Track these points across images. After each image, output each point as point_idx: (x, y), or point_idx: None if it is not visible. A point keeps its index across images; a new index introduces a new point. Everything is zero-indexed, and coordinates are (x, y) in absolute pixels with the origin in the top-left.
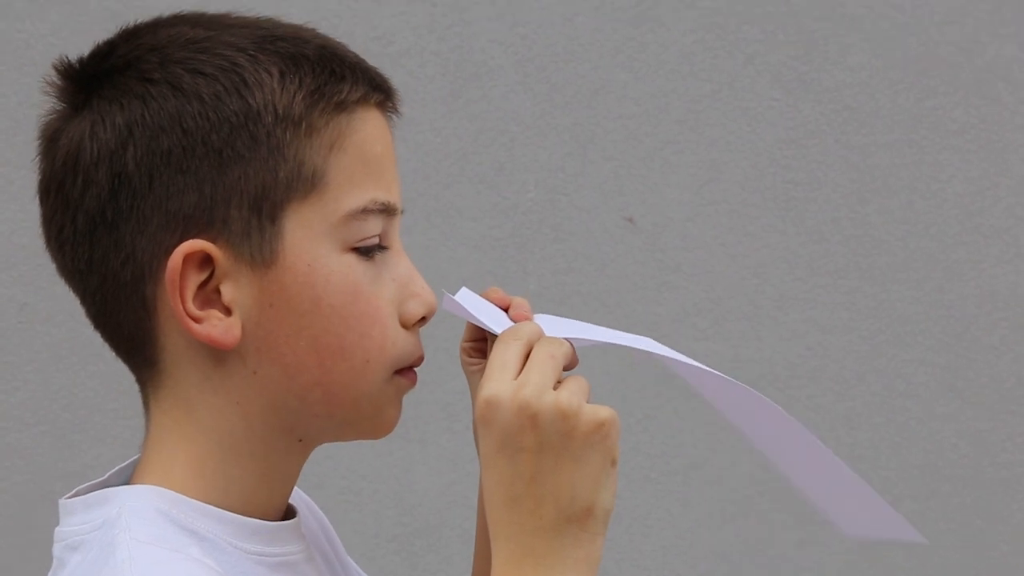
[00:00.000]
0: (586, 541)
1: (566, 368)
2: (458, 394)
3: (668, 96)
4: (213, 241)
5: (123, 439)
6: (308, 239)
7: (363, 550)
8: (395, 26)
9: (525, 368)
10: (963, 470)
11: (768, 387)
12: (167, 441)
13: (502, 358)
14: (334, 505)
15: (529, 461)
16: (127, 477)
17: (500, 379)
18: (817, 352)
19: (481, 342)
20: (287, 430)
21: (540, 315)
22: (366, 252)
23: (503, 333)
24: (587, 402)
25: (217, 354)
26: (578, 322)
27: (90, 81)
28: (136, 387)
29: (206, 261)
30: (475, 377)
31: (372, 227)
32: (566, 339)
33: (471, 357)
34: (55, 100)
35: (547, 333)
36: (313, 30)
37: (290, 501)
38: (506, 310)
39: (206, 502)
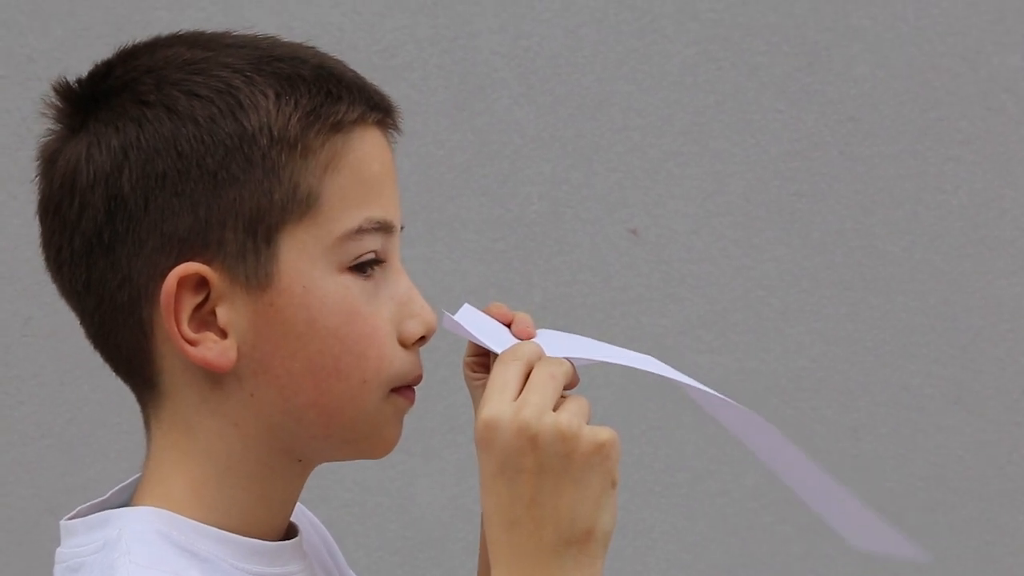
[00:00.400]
0: (586, 564)
1: (567, 387)
2: (461, 407)
3: (672, 108)
4: (208, 264)
5: (127, 453)
6: (303, 261)
7: (366, 563)
8: (398, 39)
9: (525, 389)
10: (968, 482)
11: (773, 399)
12: (167, 462)
13: (502, 379)
14: (337, 518)
15: (529, 483)
16: (128, 497)
17: (499, 400)
18: (822, 364)
19: (484, 357)
20: (285, 451)
21: (543, 330)
22: (362, 269)
23: (503, 354)
24: (588, 422)
25: (214, 376)
26: (581, 338)
27: (87, 103)
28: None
29: (201, 284)
30: (478, 392)
31: (368, 246)
32: (567, 358)
33: (474, 372)
34: (53, 121)
35: (550, 349)
36: (313, 49)
37: (292, 518)
38: (509, 325)
39: (206, 523)
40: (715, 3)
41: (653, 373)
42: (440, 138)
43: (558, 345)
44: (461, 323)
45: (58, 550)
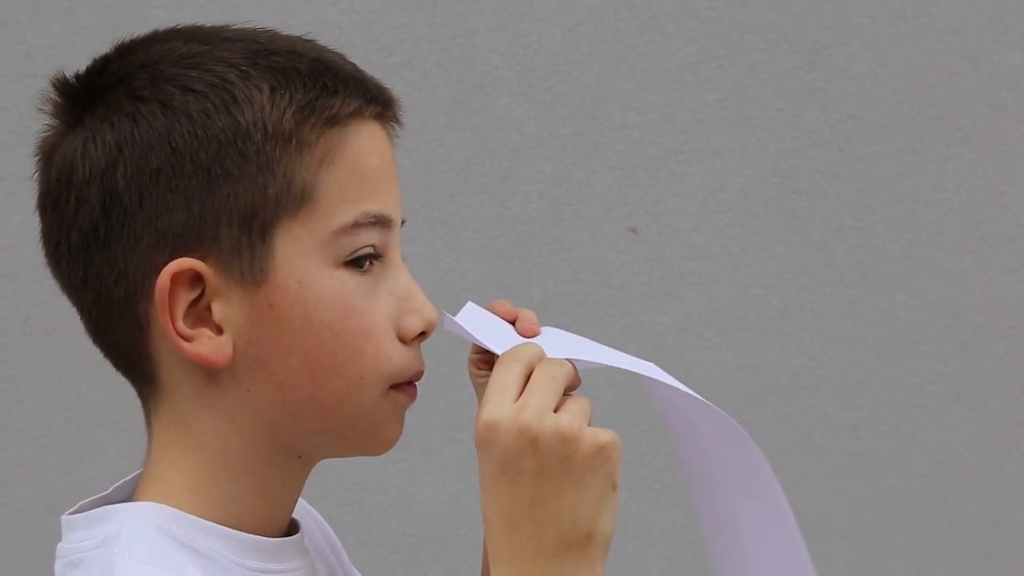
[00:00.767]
0: (586, 567)
1: (569, 389)
2: (463, 404)
3: (672, 106)
4: (203, 259)
5: (126, 452)
6: (298, 256)
7: (367, 561)
8: (397, 37)
9: (526, 390)
10: (969, 480)
11: (773, 397)
12: (166, 457)
13: (502, 380)
14: (338, 516)
15: (529, 485)
16: (130, 492)
17: (500, 402)
18: (822, 362)
19: (489, 354)
20: (284, 447)
21: (547, 327)
22: (359, 264)
23: (503, 355)
24: (589, 423)
25: (210, 372)
26: (584, 339)
27: (84, 98)
28: (138, 400)
29: (196, 279)
30: (482, 389)
31: (365, 240)
32: (568, 359)
33: (479, 369)
34: (51, 117)
35: (553, 347)
36: (312, 42)
37: (294, 515)
38: (513, 323)
39: (206, 518)
40: (714, 1)
41: (653, 380)
42: (439, 136)
43: (561, 344)
44: (461, 324)
45: (59, 545)
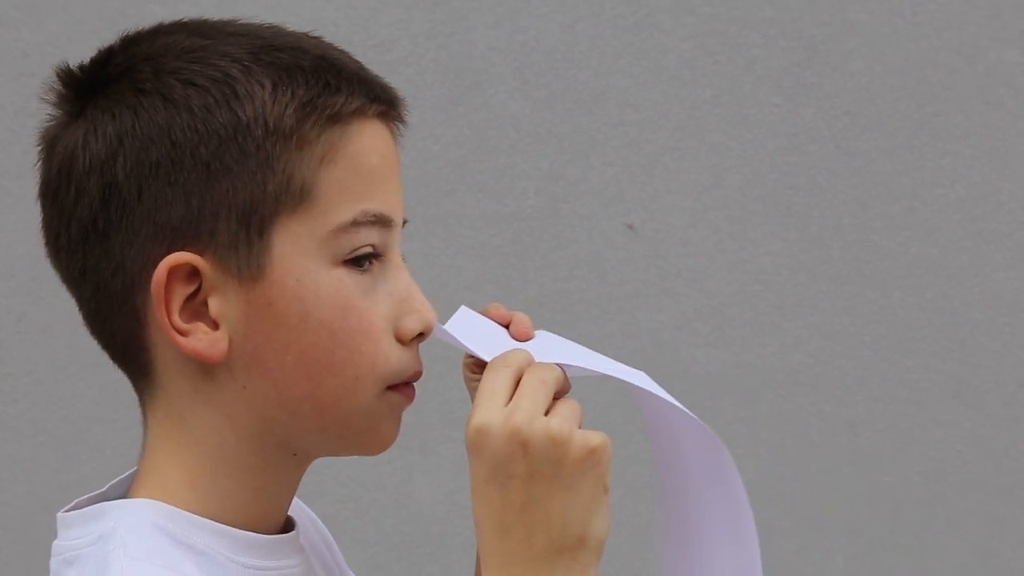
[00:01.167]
0: (578, 571)
1: (558, 393)
2: (459, 402)
3: (668, 102)
4: (200, 254)
5: (122, 450)
6: (296, 253)
7: (363, 559)
8: (394, 34)
9: (516, 394)
10: (967, 476)
11: (770, 393)
12: (161, 452)
13: (491, 385)
14: (334, 514)
15: (520, 489)
16: (125, 489)
17: (490, 406)
18: (819, 358)
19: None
20: (280, 445)
21: (541, 331)
22: (359, 263)
23: (493, 361)
24: (580, 426)
25: (206, 367)
26: (577, 344)
27: (87, 89)
28: (135, 398)
29: (193, 274)
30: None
31: (364, 239)
32: (559, 364)
33: (474, 373)
34: (54, 107)
35: (546, 351)
36: (317, 39)
37: (291, 514)
38: (507, 326)
39: (202, 514)
40: None
41: (641, 389)
42: (436, 133)
43: (554, 349)
44: (451, 332)
45: (54, 543)
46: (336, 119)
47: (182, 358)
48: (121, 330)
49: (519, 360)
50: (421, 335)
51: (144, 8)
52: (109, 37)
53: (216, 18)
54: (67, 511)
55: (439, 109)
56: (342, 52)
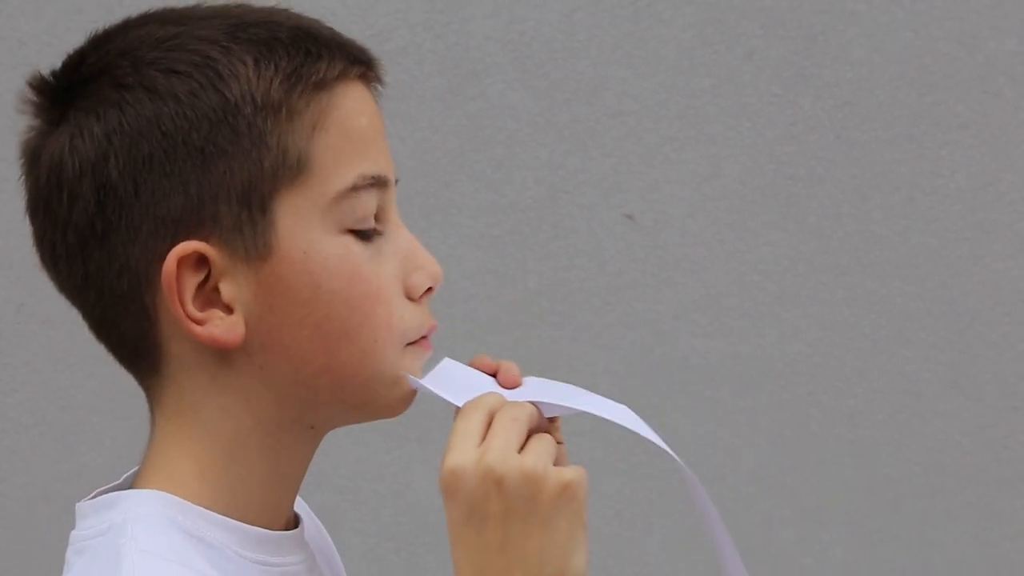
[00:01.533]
0: None
1: (532, 431)
2: None
3: (667, 92)
4: (206, 240)
5: (121, 440)
6: (300, 226)
7: (362, 550)
8: (392, 23)
9: (488, 434)
10: (966, 467)
11: (768, 384)
12: (171, 445)
13: (464, 428)
14: (333, 505)
15: (496, 529)
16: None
17: (463, 448)
18: (818, 349)
19: None
20: (297, 420)
21: (530, 378)
22: (363, 236)
23: (465, 405)
24: (554, 462)
25: (223, 354)
26: (566, 385)
27: (64, 94)
28: (135, 388)
29: (201, 261)
30: None
31: (365, 203)
32: (541, 404)
33: None
34: (32, 117)
35: (535, 394)
36: (286, 11)
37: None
38: (495, 374)
39: (212, 506)
40: None
41: (626, 427)
42: (435, 123)
43: (542, 392)
44: (425, 384)
45: (71, 533)
46: (321, 86)
47: (197, 349)
48: (131, 331)
49: (491, 402)
50: (430, 289)
51: None
52: (106, 25)
53: (184, 3)
54: (85, 501)
55: (437, 99)
56: (314, 20)
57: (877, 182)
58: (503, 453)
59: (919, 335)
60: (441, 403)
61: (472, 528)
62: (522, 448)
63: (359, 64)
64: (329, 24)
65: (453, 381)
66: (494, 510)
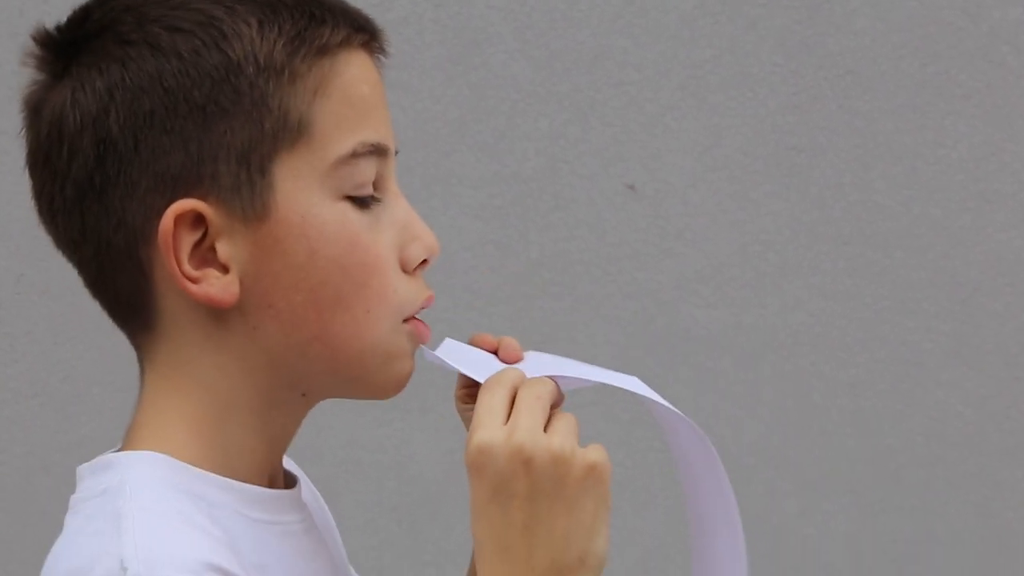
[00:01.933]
0: None
1: (553, 406)
2: None
3: (669, 62)
4: (203, 199)
5: (122, 411)
6: (299, 189)
7: (363, 521)
8: None
9: (513, 412)
10: (968, 437)
11: (771, 354)
12: (163, 404)
13: (488, 404)
14: (334, 476)
15: (522, 508)
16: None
17: (490, 425)
18: (820, 319)
19: (475, 388)
20: (290, 385)
21: (530, 352)
22: (361, 203)
23: (487, 381)
24: (577, 439)
25: (217, 313)
26: (566, 359)
27: (68, 48)
28: (134, 359)
29: (199, 220)
30: (470, 422)
31: (365, 170)
32: (552, 376)
33: (466, 404)
34: (35, 70)
35: (536, 369)
36: None
37: (289, 470)
38: (495, 351)
39: (206, 465)
40: None
41: (634, 394)
42: (436, 93)
43: (544, 366)
44: (442, 356)
45: (71, 497)
46: (324, 51)
47: (192, 307)
48: (126, 287)
49: (513, 378)
50: (425, 262)
51: None
52: None
53: None
54: (83, 465)
55: (438, 69)
56: None
57: (879, 152)
58: (531, 433)
59: (921, 305)
60: (443, 375)
61: (497, 506)
62: (547, 427)
63: (363, 32)
64: None
65: (461, 357)
66: (520, 489)
